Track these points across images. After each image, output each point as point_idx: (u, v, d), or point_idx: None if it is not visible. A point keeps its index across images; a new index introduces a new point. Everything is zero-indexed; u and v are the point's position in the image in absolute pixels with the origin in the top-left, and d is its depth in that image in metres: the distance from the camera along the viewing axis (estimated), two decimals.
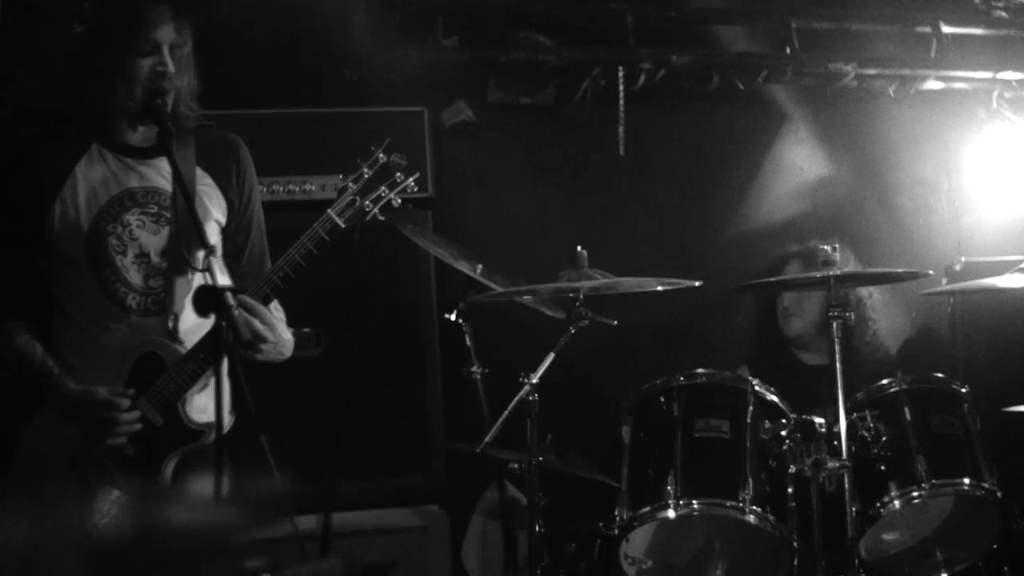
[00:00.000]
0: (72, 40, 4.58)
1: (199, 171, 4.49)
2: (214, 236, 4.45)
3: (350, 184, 4.36)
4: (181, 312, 4.34)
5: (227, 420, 4.51)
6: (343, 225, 4.31)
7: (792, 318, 6.05)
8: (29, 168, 4.35)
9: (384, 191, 4.38)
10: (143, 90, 4.27)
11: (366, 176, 4.36)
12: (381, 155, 4.40)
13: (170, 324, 4.34)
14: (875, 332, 6.04)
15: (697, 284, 5.07)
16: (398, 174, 4.39)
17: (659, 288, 5.04)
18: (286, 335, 4.46)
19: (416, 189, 4.48)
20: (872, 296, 6.08)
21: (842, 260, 5.13)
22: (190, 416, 4.31)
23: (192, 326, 4.33)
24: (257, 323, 4.22)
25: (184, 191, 4.15)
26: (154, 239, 4.36)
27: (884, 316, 6.11)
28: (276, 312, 4.53)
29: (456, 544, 5.98)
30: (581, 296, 4.93)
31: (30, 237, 4.33)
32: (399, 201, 4.42)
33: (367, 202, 4.35)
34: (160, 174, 4.38)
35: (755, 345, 6.27)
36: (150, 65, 4.27)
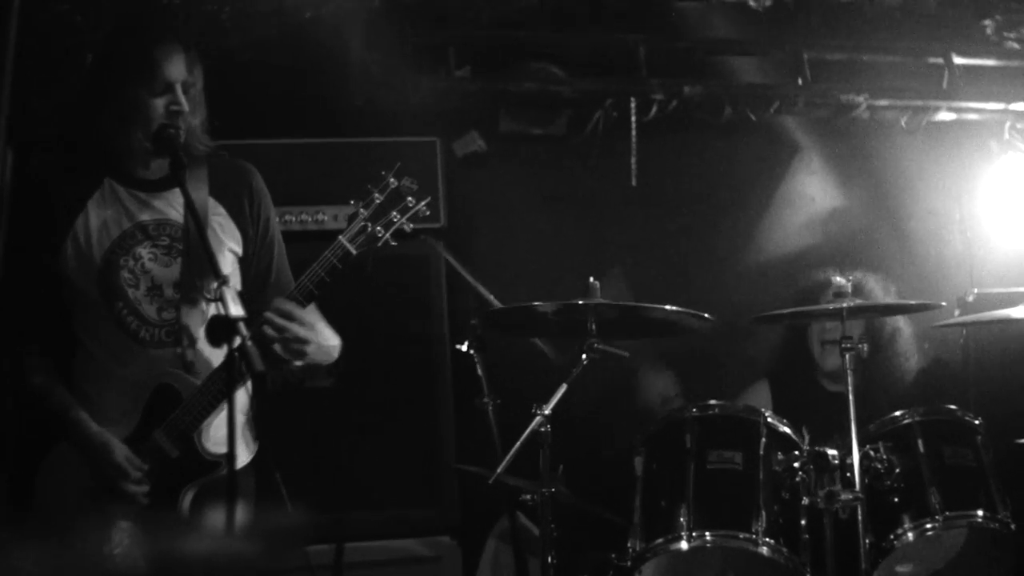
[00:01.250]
0: (86, 72, 4.59)
1: (212, 201, 4.48)
2: (228, 266, 4.44)
3: (361, 210, 4.32)
4: (196, 343, 4.33)
5: (251, 448, 4.51)
6: (355, 252, 4.28)
7: (830, 347, 5.95)
8: (42, 204, 4.35)
9: (395, 216, 4.32)
10: (156, 127, 4.27)
11: (377, 201, 4.32)
12: (392, 179, 4.34)
13: (185, 355, 4.34)
14: (903, 365, 6.03)
15: (707, 316, 5.05)
16: (409, 198, 4.33)
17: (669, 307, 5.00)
18: (327, 331, 4.42)
19: (428, 213, 4.43)
20: (904, 328, 6.06)
21: (883, 291, 5.14)
22: (206, 447, 4.29)
23: (207, 356, 4.32)
24: (296, 326, 4.19)
25: (196, 219, 4.13)
26: (166, 271, 4.36)
27: (912, 349, 6.10)
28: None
29: (469, 575, 5.96)
30: (593, 327, 4.91)
31: (45, 273, 4.33)
32: (411, 226, 4.38)
33: (378, 227, 4.31)
34: (171, 206, 4.38)
35: (778, 364, 6.22)
36: (164, 104, 4.27)
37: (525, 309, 5.09)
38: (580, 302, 4.90)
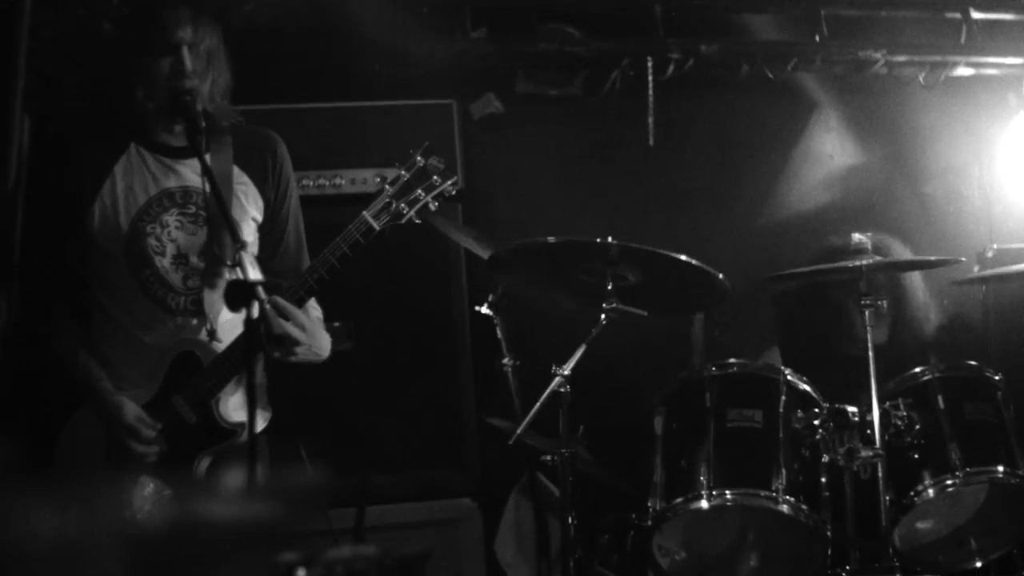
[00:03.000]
0: (103, 40, 4.61)
1: (236, 170, 4.50)
2: (250, 235, 4.47)
3: (387, 187, 4.36)
4: (219, 311, 4.36)
5: (264, 415, 4.54)
6: (378, 228, 4.32)
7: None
8: (69, 169, 4.38)
9: (420, 194, 4.39)
10: (165, 90, 4.29)
11: (404, 178, 4.37)
12: (419, 157, 4.41)
13: (208, 323, 4.37)
14: (921, 320, 6.01)
15: (720, 276, 5.02)
16: (435, 177, 4.39)
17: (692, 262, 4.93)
18: (321, 335, 4.46)
19: (454, 192, 4.48)
20: (920, 285, 6.03)
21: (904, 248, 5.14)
22: (223, 415, 4.33)
23: (229, 324, 4.35)
24: (290, 326, 4.23)
25: (214, 185, 4.16)
26: (192, 239, 4.39)
27: (930, 304, 6.08)
28: (313, 311, 4.55)
29: (489, 537, 5.98)
30: (611, 286, 4.90)
31: (71, 237, 4.36)
32: (436, 204, 4.42)
33: (403, 204, 4.36)
34: (197, 173, 4.39)
35: (792, 328, 6.20)
36: (170, 64, 4.29)
37: (538, 245, 5.01)
38: (597, 239, 4.82)
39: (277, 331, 3.71)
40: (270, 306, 4.13)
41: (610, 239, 4.79)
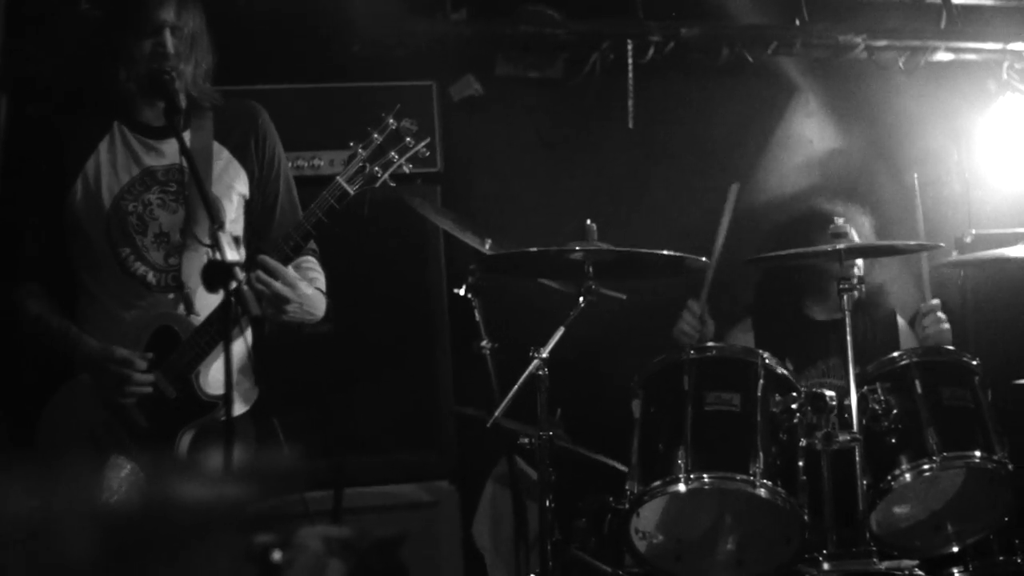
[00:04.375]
0: (82, 20, 4.61)
1: (216, 145, 4.50)
2: (235, 211, 4.48)
3: (359, 150, 4.35)
4: (196, 287, 4.35)
5: (251, 395, 4.53)
6: (352, 192, 4.31)
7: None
8: (52, 144, 4.38)
9: (394, 156, 4.37)
10: (146, 70, 4.28)
11: (376, 142, 4.35)
12: (391, 120, 4.39)
13: (188, 299, 4.36)
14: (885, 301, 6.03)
15: (703, 259, 5.06)
16: (408, 139, 4.38)
17: (665, 252, 5.00)
18: (311, 292, 4.45)
19: (427, 154, 4.47)
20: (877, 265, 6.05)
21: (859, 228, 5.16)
22: (204, 389, 4.34)
23: (208, 300, 4.35)
24: (279, 285, 4.23)
25: (192, 166, 4.15)
26: (173, 218, 4.39)
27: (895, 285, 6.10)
28: (313, 273, 4.56)
29: (467, 520, 5.98)
30: (590, 269, 4.91)
31: (51, 211, 4.36)
32: (410, 167, 4.42)
33: (376, 168, 4.34)
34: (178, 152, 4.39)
35: (760, 298, 6.21)
36: (151, 46, 4.28)
37: (520, 253, 5.12)
38: (576, 248, 4.90)
39: (254, 311, 3.70)
40: (260, 268, 4.17)
41: (588, 223, 4.81)
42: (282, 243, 4.31)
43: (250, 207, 4.57)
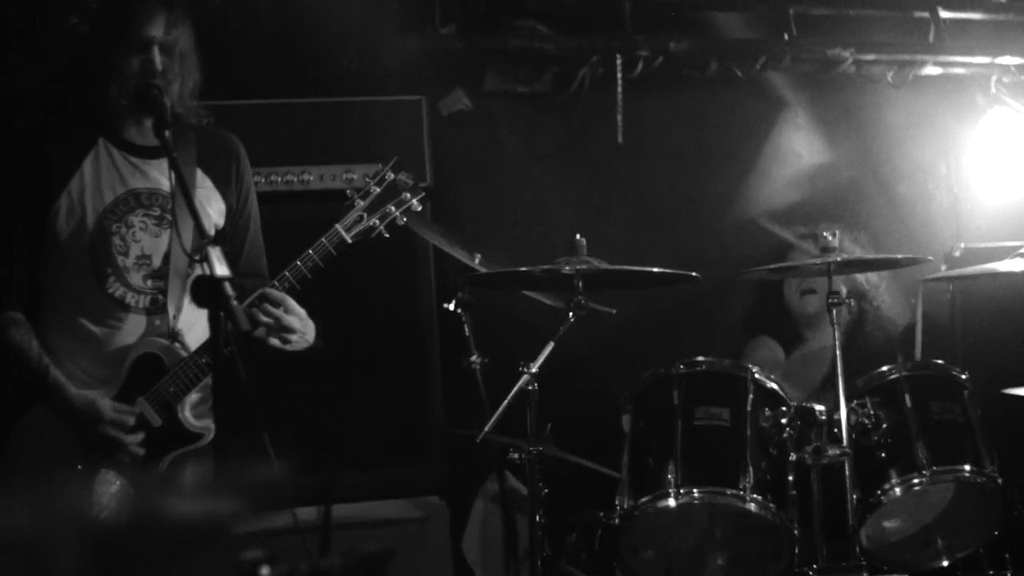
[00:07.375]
0: (71, 35, 4.60)
1: (199, 173, 4.50)
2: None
3: (358, 200, 4.51)
4: (180, 310, 4.34)
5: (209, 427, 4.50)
6: (350, 240, 4.47)
7: (809, 296, 6.06)
8: (36, 160, 4.35)
9: (391, 209, 4.56)
10: (134, 86, 4.27)
11: (374, 193, 4.52)
12: (389, 173, 4.57)
13: (170, 322, 4.35)
14: (881, 317, 6.06)
15: (694, 275, 5.07)
16: (405, 193, 4.55)
17: (655, 270, 5.03)
18: (309, 323, 4.49)
19: (420, 208, 4.69)
20: (881, 283, 6.09)
21: (855, 245, 5.16)
22: (189, 419, 4.33)
23: (190, 323, 4.34)
24: (287, 316, 4.29)
25: (181, 180, 4.13)
26: (156, 241, 4.38)
27: (889, 301, 6.12)
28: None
29: (457, 535, 5.97)
30: (580, 284, 4.92)
31: (33, 228, 4.33)
32: (404, 220, 4.54)
33: (374, 219, 4.53)
34: (163, 174, 4.38)
35: (754, 319, 6.25)
36: (140, 63, 4.27)
37: (509, 272, 5.15)
38: (566, 268, 4.90)
39: (244, 327, 3.68)
40: (270, 301, 4.22)
41: (577, 238, 4.81)
42: (277, 284, 4.34)
43: (222, 237, 4.56)
